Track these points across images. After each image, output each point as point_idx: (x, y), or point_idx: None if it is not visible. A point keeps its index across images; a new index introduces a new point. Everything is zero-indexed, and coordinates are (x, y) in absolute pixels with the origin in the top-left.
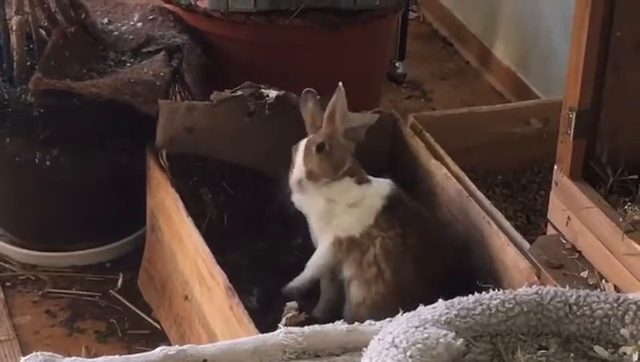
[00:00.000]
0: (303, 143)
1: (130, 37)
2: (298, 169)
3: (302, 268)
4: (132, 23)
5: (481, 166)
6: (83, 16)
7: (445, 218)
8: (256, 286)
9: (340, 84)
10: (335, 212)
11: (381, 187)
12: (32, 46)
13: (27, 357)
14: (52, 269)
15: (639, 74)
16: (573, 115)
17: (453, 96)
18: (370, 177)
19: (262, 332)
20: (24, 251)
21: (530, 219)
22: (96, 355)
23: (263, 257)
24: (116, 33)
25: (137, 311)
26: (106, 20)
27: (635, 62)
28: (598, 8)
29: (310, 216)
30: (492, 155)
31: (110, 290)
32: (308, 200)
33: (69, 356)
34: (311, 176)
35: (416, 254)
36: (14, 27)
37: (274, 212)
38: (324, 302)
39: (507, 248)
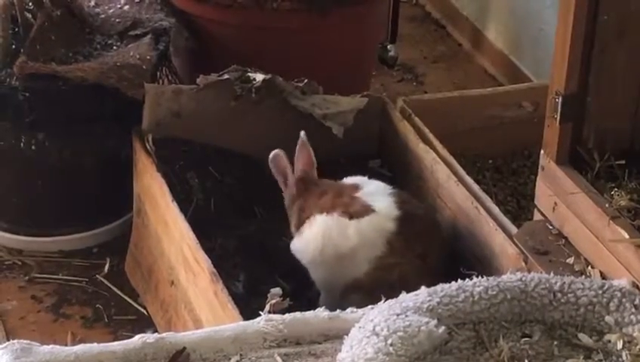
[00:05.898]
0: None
1: (117, 20)
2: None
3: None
4: (119, 6)
5: (472, 150)
6: None
7: (434, 203)
8: (243, 272)
9: None
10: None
11: (386, 209)
12: (17, 29)
13: (4, 345)
14: (38, 254)
15: (625, 58)
16: (560, 99)
17: (445, 79)
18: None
19: (247, 318)
20: (10, 236)
21: (520, 204)
22: (82, 341)
23: (250, 242)
24: (103, 16)
25: (124, 297)
26: (92, 3)
27: (621, 46)
28: None
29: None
30: (482, 139)
31: (97, 275)
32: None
33: (55, 342)
34: None
35: (433, 272)
36: None
37: (261, 197)
38: None
39: (495, 234)
